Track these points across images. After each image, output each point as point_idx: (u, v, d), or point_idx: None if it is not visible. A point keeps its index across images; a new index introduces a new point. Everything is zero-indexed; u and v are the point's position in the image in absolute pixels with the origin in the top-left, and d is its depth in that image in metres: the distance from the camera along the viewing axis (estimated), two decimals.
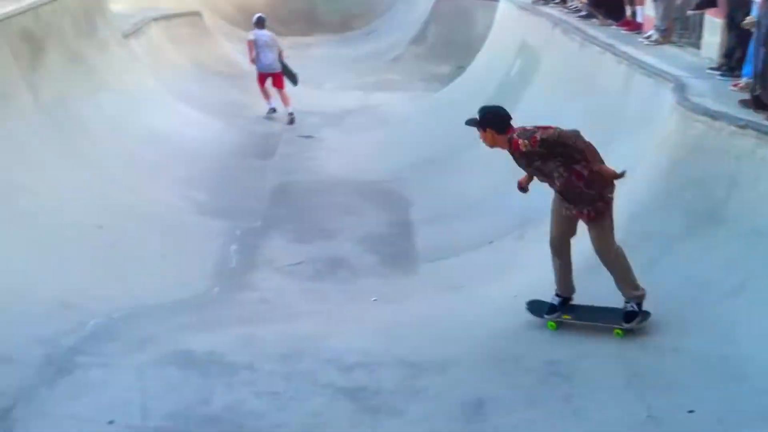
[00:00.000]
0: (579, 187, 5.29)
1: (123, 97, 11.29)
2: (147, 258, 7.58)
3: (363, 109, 14.89)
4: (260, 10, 24.56)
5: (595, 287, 5.65)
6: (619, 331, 5.44)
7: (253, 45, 13.77)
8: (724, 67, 8.20)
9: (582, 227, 5.50)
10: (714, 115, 6.53)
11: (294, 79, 14.05)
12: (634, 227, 6.26)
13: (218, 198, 9.82)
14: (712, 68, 8.37)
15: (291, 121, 13.68)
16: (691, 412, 4.47)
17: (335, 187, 10.62)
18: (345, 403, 4.91)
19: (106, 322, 5.95)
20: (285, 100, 13.86)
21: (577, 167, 5.24)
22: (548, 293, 5.76)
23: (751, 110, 6.59)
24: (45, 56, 9.89)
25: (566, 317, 5.66)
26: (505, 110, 5.45)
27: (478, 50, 15.10)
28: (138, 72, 12.76)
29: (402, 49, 19.38)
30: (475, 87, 13.17)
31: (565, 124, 5.52)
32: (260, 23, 14.00)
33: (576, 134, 5.22)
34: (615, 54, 9.56)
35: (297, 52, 21.29)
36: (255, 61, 13.82)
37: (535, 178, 5.58)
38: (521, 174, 5.66)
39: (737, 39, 7.97)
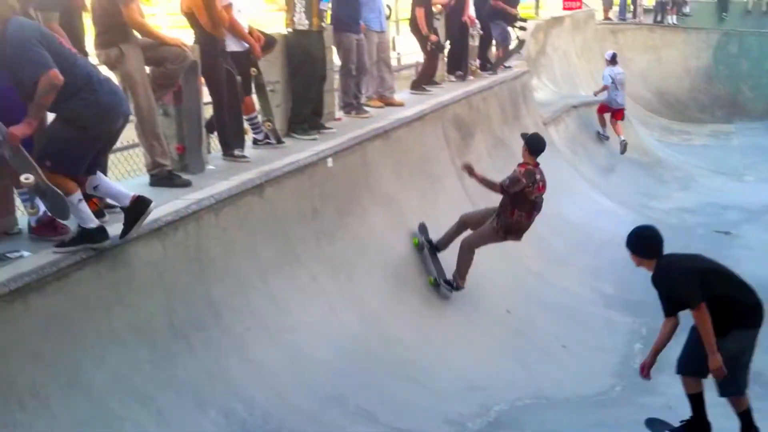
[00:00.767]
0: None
1: None
2: (549, 347, 7.55)
3: None
4: (681, 96, 24.13)
5: None
6: (432, 280, 7.46)
7: (609, 87, 15.03)
8: None
9: None
10: None
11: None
12: None
13: (625, 291, 9.45)
14: None
15: (624, 149, 14.84)
16: None
17: (759, 290, 9.53)
18: None
19: (510, 409, 5.99)
20: (619, 131, 15.01)
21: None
22: None
23: None
24: (472, 141, 10.67)
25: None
26: None
27: None
28: (554, 159, 13.05)
29: None
30: None
31: None
32: (614, 60, 15.34)
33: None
34: None
35: (716, 140, 20.18)
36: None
37: None
38: None
39: None
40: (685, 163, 17.03)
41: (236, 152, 6.75)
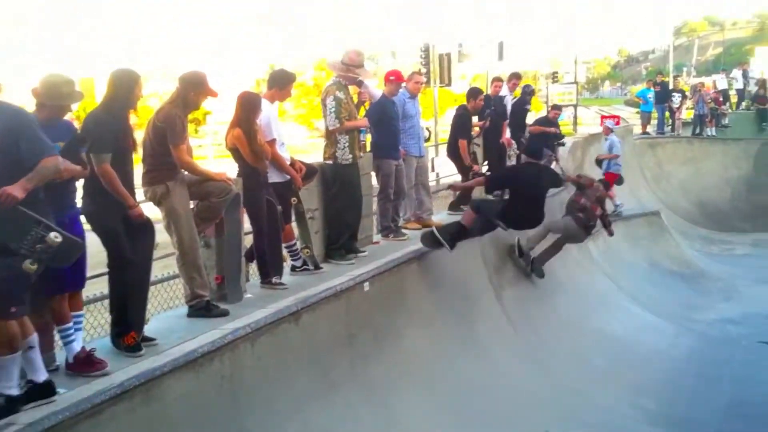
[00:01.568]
0: None
1: (577, 298, 11.63)
2: None
3: None
4: (720, 208, 24.04)
5: None
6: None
7: None
8: None
9: None
10: None
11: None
12: None
13: (669, 408, 9.29)
14: None
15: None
16: None
17: None
18: None
19: None
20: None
21: None
22: None
23: None
24: (509, 259, 10.83)
25: None
26: None
27: None
28: (593, 273, 13.11)
29: None
30: None
31: None
32: None
33: None
34: None
35: (760, 249, 19.93)
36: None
37: None
38: None
39: None
40: (727, 273, 16.86)
41: (274, 280, 6.97)
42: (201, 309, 5.95)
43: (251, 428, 5.35)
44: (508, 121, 13.05)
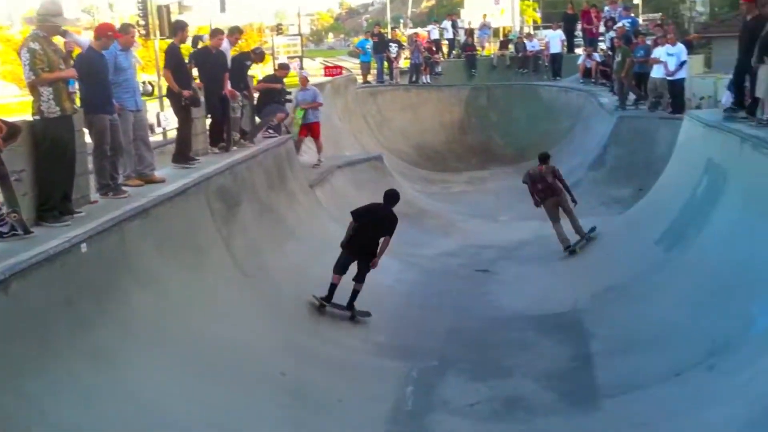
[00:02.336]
0: None
1: (307, 245, 11.97)
2: (327, 403, 7.77)
3: (539, 239, 14.59)
4: (437, 150, 25.85)
5: None
6: None
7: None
8: None
9: None
10: None
11: None
12: None
13: (396, 338, 9.97)
14: None
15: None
16: None
17: (511, 323, 10.47)
18: None
19: None
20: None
21: None
22: None
23: None
24: (238, 210, 10.84)
25: None
26: None
27: (659, 171, 14.50)
28: (322, 218, 13.54)
29: (581, 175, 19.08)
30: (659, 208, 12.71)
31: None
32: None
33: None
34: None
35: (473, 186, 21.79)
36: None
37: None
38: None
39: None
40: (445, 210, 18.21)
41: None
42: None
43: None
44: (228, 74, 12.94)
